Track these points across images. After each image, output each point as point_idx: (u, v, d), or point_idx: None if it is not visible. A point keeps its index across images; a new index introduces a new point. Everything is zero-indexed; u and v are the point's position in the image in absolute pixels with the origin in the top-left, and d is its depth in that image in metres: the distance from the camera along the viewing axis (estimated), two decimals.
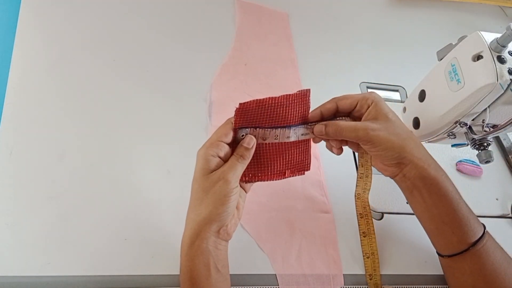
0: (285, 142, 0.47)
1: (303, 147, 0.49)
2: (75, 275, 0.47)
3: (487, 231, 0.49)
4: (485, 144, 0.50)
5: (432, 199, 0.48)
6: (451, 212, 0.47)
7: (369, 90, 0.72)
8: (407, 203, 0.61)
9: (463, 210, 0.47)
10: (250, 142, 0.44)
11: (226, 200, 0.42)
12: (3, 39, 0.62)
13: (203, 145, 0.44)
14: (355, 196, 0.53)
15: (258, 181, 0.47)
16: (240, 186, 0.47)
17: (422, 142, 0.58)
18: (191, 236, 0.42)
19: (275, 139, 0.46)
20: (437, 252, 0.52)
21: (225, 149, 0.44)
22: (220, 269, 0.43)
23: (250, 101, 0.43)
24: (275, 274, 0.51)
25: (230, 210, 0.43)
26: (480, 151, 0.51)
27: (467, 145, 0.52)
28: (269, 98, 0.44)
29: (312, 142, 0.50)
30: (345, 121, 0.48)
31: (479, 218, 0.51)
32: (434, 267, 0.55)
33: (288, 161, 0.48)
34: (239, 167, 0.43)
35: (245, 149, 0.44)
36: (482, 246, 0.47)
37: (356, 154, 0.64)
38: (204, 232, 0.42)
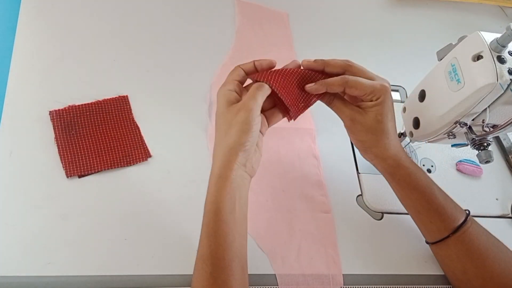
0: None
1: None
2: (75, 275, 0.47)
3: (470, 217, 0.50)
4: (485, 144, 0.50)
5: (404, 190, 0.51)
6: (424, 203, 0.50)
7: None
8: None
9: (438, 200, 0.50)
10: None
11: (249, 128, 0.43)
12: (3, 39, 0.62)
13: (221, 86, 0.47)
14: None
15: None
16: None
17: (422, 142, 0.58)
18: (220, 166, 0.44)
19: None
20: (425, 240, 0.54)
21: (240, 86, 0.47)
22: (242, 206, 0.44)
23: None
24: (275, 274, 0.51)
25: (253, 139, 0.44)
26: (480, 151, 0.51)
27: (467, 145, 0.52)
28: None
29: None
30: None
31: (479, 218, 0.51)
32: (434, 267, 0.55)
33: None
34: (259, 96, 0.45)
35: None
36: (463, 232, 0.49)
37: (356, 154, 0.64)
38: (232, 162, 0.43)
